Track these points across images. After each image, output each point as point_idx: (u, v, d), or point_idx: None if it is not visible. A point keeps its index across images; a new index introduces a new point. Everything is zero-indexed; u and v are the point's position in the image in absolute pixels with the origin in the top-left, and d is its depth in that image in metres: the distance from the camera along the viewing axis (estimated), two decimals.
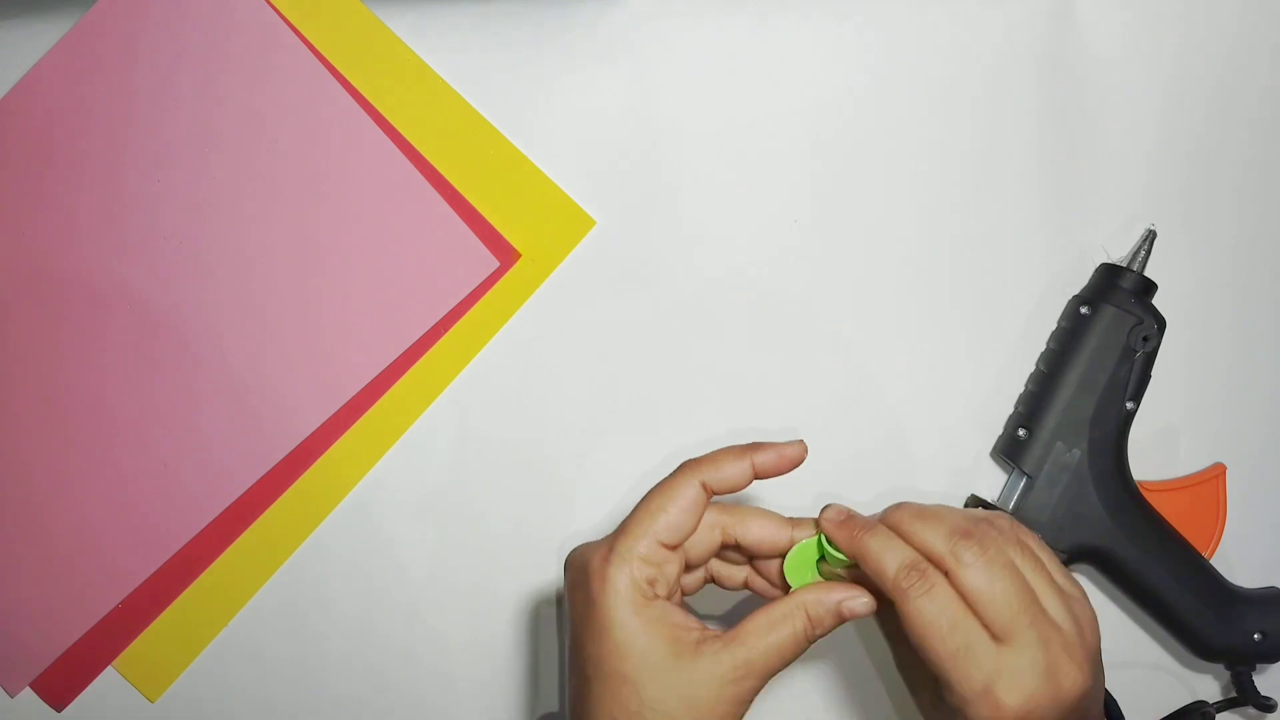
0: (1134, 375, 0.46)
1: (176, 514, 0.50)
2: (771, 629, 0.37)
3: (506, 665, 0.51)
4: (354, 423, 0.50)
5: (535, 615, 0.51)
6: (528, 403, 0.50)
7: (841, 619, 0.37)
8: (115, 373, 0.51)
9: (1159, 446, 0.49)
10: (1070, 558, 0.46)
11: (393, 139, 0.49)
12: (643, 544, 0.37)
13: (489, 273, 0.49)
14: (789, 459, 0.39)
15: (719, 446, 0.42)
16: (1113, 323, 0.46)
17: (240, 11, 0.49)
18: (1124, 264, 0.47)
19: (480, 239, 0.49)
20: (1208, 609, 0.45)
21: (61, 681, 0.52)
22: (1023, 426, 0.47)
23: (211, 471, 0.50)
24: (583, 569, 0.38)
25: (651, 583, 0.37)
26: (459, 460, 0.50)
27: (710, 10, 0.49)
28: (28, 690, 0.52)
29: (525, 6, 0.49)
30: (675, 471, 0.39)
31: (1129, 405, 0.46)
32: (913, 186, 0.49)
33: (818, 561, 0.40)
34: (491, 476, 0.50)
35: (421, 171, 0.49)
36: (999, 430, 0.49)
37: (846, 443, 0.49)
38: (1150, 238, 0.47)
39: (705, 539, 0.39)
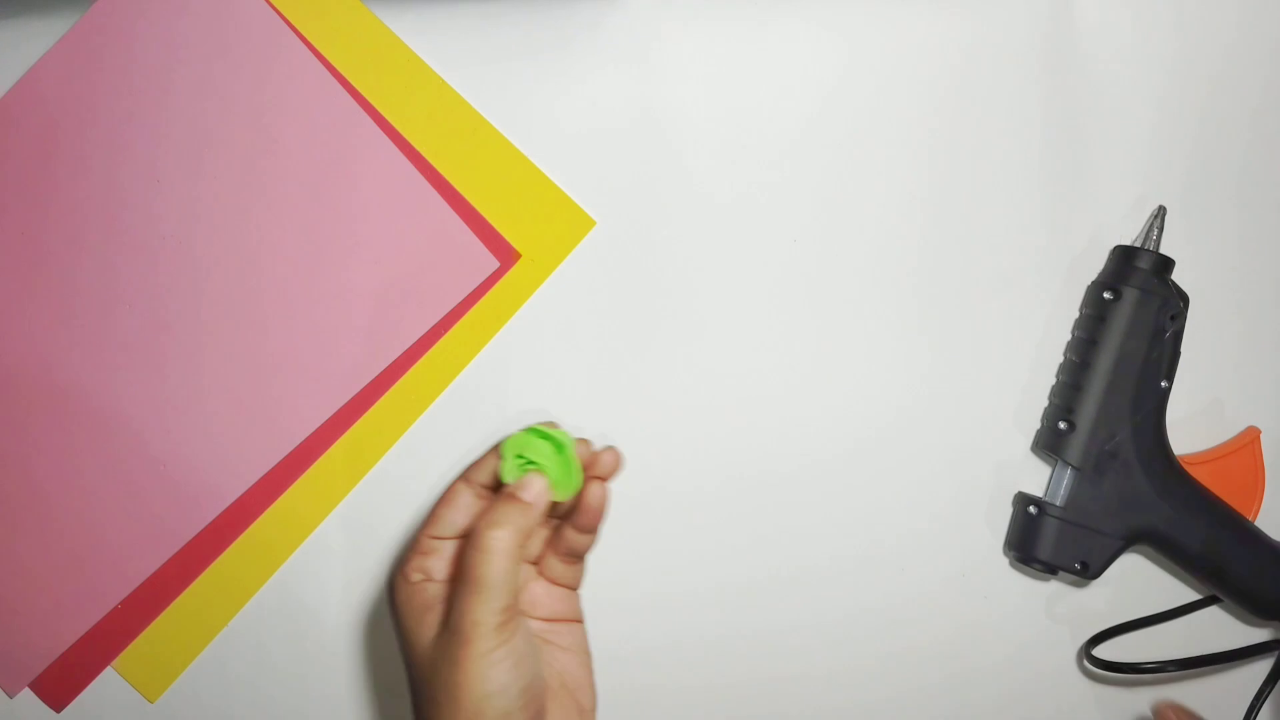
0: (1166, 354, 0.46)
1: (176, 514, 0.50)
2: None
3: None
4: (354, 423, 0.50)
5: None
6: (528, 403, 0.50)
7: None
8: (115, 373, 0.51)
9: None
10: (1126, 542, 0.46)
11: (393, 139, 0.49)
12: (416, 544, 0.44)
13: (489, 273, 0.49)
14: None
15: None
16: (1139, 305, 0.46)
17: (241, 11, 0.49)
18: (1137, 244, 0.48)
19: (480, 239, 0.49)
20: (1259, 571, 0.46)
21: (61, 682, 0.52)
22: (1063, 419, 0.47)
23: (211, 471, 0.50)
24: None
25: (420, 569, 0.43)
26: (459, 460, 0.50)
27: (710, 11, 0.49)
28: (27, 691, 0.52)
29: (525, 7, 0.49)
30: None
31: (1164, 385, 0.46)
32: (915, 184, 0.49)
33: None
34: None
35: (421, 171, 0.49)
36: (1030, 424, 0.49)
37: (859, 444, 0.49)
38: (1160, 214, 0.47)
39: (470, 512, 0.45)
